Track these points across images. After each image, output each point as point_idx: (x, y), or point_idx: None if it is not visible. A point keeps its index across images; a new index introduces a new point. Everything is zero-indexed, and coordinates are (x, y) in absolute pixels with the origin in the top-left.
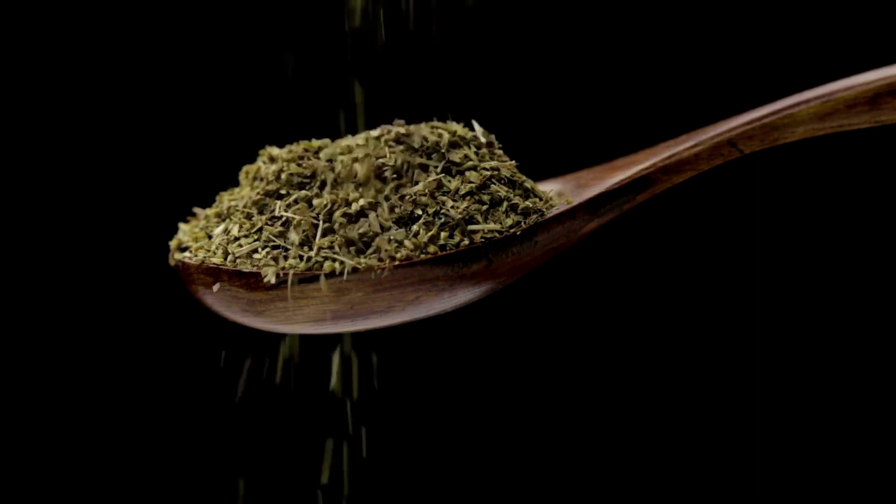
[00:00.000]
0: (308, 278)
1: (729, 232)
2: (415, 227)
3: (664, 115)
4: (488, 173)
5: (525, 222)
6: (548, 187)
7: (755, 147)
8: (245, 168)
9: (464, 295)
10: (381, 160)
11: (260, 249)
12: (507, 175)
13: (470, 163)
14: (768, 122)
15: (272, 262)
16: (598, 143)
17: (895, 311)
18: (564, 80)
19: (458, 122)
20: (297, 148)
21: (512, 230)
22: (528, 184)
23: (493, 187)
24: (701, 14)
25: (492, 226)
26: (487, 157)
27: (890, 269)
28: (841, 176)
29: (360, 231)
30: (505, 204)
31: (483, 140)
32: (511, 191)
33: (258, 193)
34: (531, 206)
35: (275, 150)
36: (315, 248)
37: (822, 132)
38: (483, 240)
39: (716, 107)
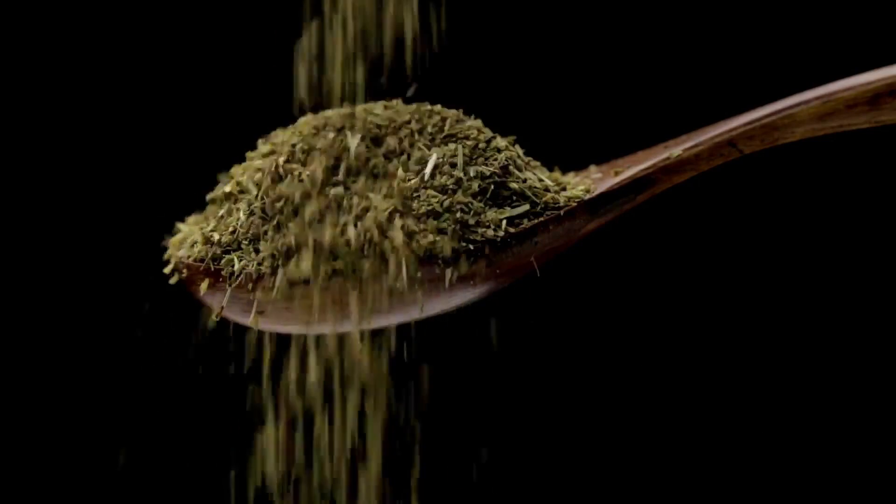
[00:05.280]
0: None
1: (729, 232)
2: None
3: (664, 115)
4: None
5: (525, 222)
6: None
7: (755, 147)
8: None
9: (464, 295)
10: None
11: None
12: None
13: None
14: (768, 122)
15: (273, 263)
16: (599, 143)
17: (895, 311)
18: (564, 81)
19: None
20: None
21: (512, 230)
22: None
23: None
24: (701, 14)
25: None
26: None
27: (890, 269)
28: (841, 176)
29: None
30: (507, 205)
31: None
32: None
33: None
34: (530, 206)
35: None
36: (316, 249)
37: (822, 132)
38: (483, 240)
39: (716, 107)
